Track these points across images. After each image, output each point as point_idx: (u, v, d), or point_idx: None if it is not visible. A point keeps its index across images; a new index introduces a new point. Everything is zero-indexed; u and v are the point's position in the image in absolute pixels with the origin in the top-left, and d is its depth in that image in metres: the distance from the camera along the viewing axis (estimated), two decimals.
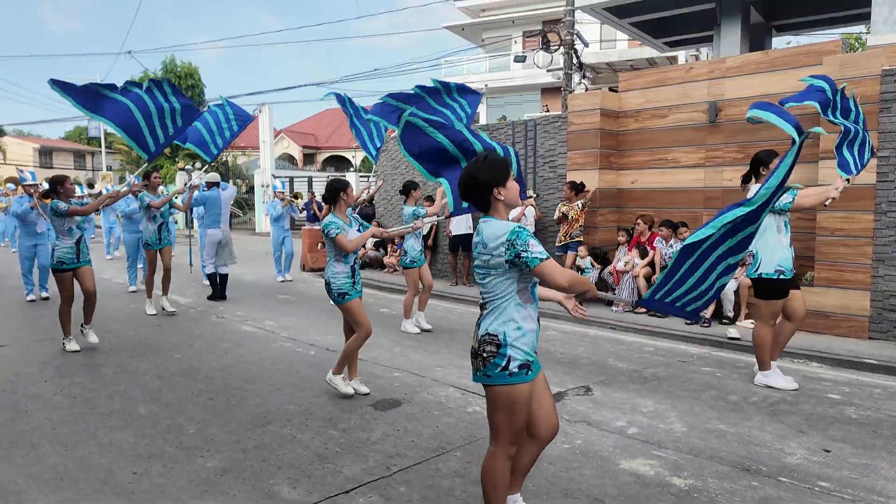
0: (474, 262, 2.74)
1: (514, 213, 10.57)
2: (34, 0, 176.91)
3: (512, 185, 2.71)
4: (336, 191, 4.92)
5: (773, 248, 5.12)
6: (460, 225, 10.39)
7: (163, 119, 6.68)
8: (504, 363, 2.61)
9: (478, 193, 2.70)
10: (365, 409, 4.69)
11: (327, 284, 4.93)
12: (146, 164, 7.05)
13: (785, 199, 4.99)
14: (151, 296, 8.34)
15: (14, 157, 39.63)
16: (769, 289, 5.17)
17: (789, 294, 5.20)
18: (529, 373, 2.65)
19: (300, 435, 4.18)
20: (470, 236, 10.57)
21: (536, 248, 2.55)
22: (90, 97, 6.30)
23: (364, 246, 9.08)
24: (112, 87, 6.45)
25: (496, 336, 2.63)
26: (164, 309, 8.29)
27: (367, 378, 5.41)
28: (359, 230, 4.95)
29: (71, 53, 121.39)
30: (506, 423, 2.67)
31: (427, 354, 6.30)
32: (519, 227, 2.59)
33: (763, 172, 5.21)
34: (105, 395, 5.03)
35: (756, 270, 5.18)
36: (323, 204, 7.00)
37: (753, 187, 5.22)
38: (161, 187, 8.63)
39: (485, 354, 2.64)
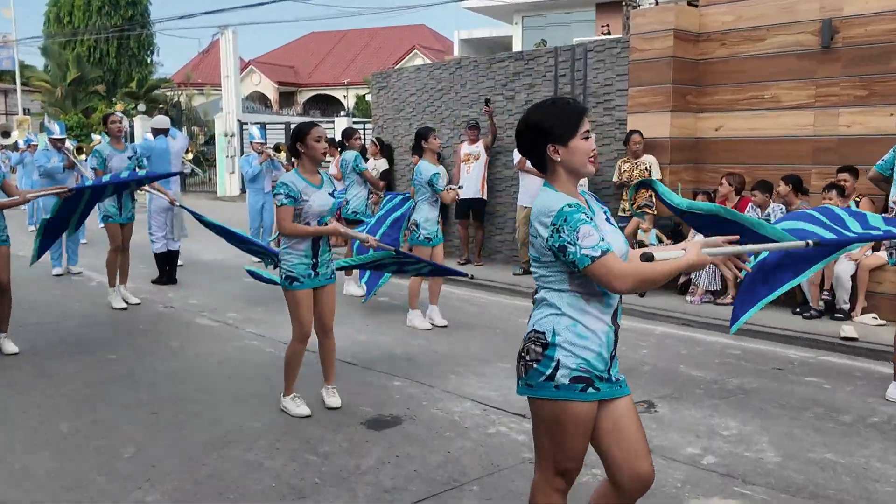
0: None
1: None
2: None
3: (578, 146, 2.55)
4: (293, 140, 4.79)
5: None
6: (469, 187, 10.36)
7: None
8: (550, 371, 2.50)
9: (530, 145, 2.62)
10: (354, 428, 4.70)
11: (280, 260, 4.89)
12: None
13: None
14: (115, 284, 8.30)
15: None
16: None
17: None
18: (590, 391, 2.51)
19: (269, 461, 4.21)
20: (480, 201, 10.55)
21: (589, 241, 2.41)
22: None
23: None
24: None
25: (543, 334, 2.54)
26: (126, 302, 8.30)
27: (357, 389, 5.43)
28: (331, 195, 4.88)
29: None
30: (549, 446, 2.59)
31: (437, 357, 6.29)
32: (569, 205, 2.46)
33: None
34: (18, 407, 5.10)
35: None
36: None
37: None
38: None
39: (528, 357, 2.56)
